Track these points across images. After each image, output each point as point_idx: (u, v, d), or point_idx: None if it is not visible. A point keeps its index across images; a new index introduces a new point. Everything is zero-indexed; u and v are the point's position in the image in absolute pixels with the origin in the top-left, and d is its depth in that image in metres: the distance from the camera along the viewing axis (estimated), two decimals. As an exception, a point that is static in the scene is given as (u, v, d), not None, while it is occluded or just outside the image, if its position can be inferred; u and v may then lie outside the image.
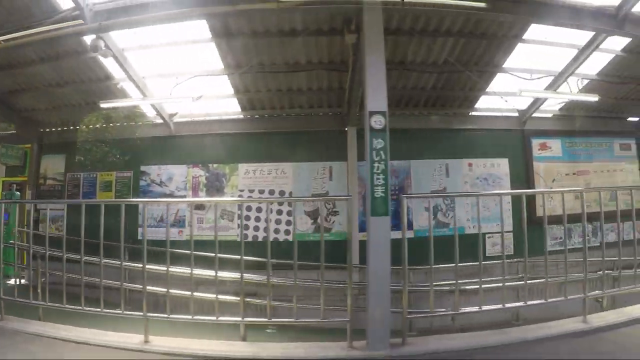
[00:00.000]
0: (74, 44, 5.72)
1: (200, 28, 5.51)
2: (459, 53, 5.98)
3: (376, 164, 3.70)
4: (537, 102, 7.19)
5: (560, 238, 7.56)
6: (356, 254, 6.77)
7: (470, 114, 7.56)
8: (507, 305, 3.25)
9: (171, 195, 6.95)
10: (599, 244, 8.16)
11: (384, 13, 4.17)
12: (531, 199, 7.16)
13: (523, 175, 7.49)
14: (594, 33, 5.63)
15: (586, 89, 7.15)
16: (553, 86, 6.69)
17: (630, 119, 8.77)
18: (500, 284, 3.39)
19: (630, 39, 5.92)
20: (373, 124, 3.83)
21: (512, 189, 7.40)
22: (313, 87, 6.59)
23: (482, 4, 4.09)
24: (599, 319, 3.29)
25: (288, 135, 6.91)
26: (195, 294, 3.20)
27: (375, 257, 3.22)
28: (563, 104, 7.73)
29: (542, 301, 3.30)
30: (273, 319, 3.15)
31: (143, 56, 6.02)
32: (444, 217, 7.10)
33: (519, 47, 6.08)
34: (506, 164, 7.44)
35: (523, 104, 7.44)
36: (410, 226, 6.96)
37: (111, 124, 7.16)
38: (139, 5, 4.58)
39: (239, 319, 3.03)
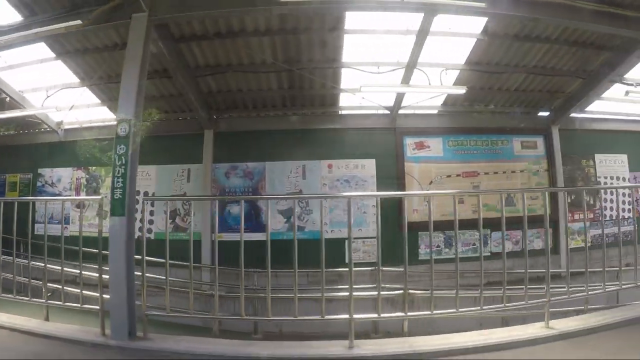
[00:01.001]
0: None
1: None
2: (282, 52, 5.93)
3: (117, 168, 4.06)
4: (400, 98, 6.79)
5: (438, 246, 7.13)
6: (209, 254, 7.01)
7: (340, 112, 7.38)
8: (328, 317, 3.13)
9: (59, 194, 7.77)
10: (489, 254, 7.58)
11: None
12: (400, 202, 6.82)
13: (393, 176, 7.11)
14: (422, 14, 5.20)
15: (461, 80, 6.60)
16: (407, 78, 6.28)
17: (541, 113, 7.87)
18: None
19: (486, 18, 5.44)
20: (119, 130, 4.21)
21: (378, 191, 7.09)
22: (167, 93, 6.95)
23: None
24: (372, 346, 2.89)
25: (152, 139, 7.28)
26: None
27: (114, 253, 3.50)
28: (444, 97, 7.18)
29: (375, 316, 3.22)
30: (49, 301, 3.49)
31: (15, 74, 6.87)
32: (299, 220, 7.00)
33: (350, 39, 5.85)
34: (373, 165, 7.12)
35: (391, 100, 7.07)
36: (264, 228, 7.00)
37: (19, 132, 8.19)
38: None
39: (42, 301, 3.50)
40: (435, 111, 7.42)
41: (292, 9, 4.76)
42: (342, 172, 7.08)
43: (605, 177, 8.19)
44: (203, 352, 2.93)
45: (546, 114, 7.80)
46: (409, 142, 7.17)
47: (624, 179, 8.31)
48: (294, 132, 7.11)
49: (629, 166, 8.40)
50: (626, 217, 8.22)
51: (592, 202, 7.91)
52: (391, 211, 6.61)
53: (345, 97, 6.99)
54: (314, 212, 7.00)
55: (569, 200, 7.87)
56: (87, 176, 7.71)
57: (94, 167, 7.68)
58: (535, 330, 3.00)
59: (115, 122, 4.29)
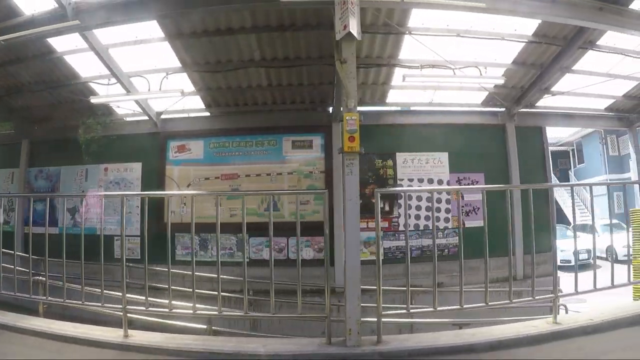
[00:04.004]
0: None
1: None
2: (39, 74, 6.76)
3: None
4: (148, 104, 6.99)
5: (194, 248, 7.16)
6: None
7: (125, 120, 7.85)
8: (107, 305, 3.46)
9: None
10: (248, 260, 7.44)
11: None
12: (160, 203, 7.05)
13: (155, 178, 7.31)
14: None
15: (195, 82, 6.53)
16: (131, 87, 6.50)
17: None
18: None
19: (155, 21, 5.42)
20: None
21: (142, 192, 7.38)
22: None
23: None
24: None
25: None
26: None
27: None
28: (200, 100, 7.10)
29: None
30: None
31: None
32: (80, 217, 7.70)
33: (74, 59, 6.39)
34: (139, 168, 7.43)
35: (158, 106, 7.28)
36: (57, 223, 7.90)
37: None
38: None
39: None
40: (201, 114, 7.37)
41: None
42: (115, 174, 7.57)
43: (411, 180, 6.99)
44: None
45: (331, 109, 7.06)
46: (172, 145, 7.28)
47: (440, 182, 6.98)
48: (79, 140, 7.82)
49: (450, 166, 7.01)
50: (441, 227, 6.96)
51: (387, 208, 6.92)
52: (153, 212, 6.91)
53: (118, 106, 7.46)
54: (91, 211, 7.63)
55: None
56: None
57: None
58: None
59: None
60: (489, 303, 3.36)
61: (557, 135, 14.02)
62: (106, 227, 7.26)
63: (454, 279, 7.37)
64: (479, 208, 7.00)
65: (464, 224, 6.92)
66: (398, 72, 6.33)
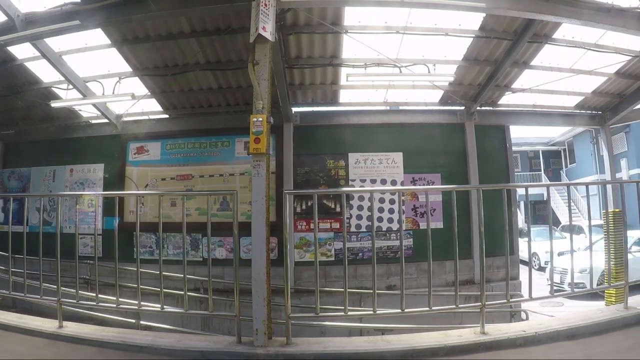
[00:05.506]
0: None
1: None
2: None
3: None
4: (101, 109, 7.16)
5: (150, 247, 7.31)
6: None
7: (89, 122, 8.06)
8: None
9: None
10: (201, 259, 7.52)
11: None
12: (121, 203, 7.24)
13: (116, 179, 7.48)
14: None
15: (149, 87, 6.64)
16: (87, 91, 6.69)
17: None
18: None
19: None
20: None
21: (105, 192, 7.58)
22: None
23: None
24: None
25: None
26: None
27: None
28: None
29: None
30: None
31: None
32: (48, 216, 7.96)
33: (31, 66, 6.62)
34: (101, 169, 7.62)
35: (118, 109, 7.45)
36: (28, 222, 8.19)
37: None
38: None
39: None
40: (159, 116, 7.48)
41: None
42: (79, 175, 7.79)
43: (363, 180, 6.86)
44: None
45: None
46: (132, 146, 7.43)
47: (394, 183, 6.83)
48: (47, 142, 8.10)
49: (404, 167, 6.85)
50: (395, 228, 6.82)
51: (338, 209, 6.85)
52: (113, 211, 7.09)
53: (80, 110, 7.68)
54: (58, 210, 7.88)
55: (301, 209, 6.96)
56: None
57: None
58: None
59: None
60: (405, 310, 3.27)
61: (548, 135, 13.40)
62: (70, 225, 7.60)
63: (407, 282, 7.25)
64: (435, 209, 6.81)
65: (417, 225, 6.78)
66: (344, 72, 6.23)
